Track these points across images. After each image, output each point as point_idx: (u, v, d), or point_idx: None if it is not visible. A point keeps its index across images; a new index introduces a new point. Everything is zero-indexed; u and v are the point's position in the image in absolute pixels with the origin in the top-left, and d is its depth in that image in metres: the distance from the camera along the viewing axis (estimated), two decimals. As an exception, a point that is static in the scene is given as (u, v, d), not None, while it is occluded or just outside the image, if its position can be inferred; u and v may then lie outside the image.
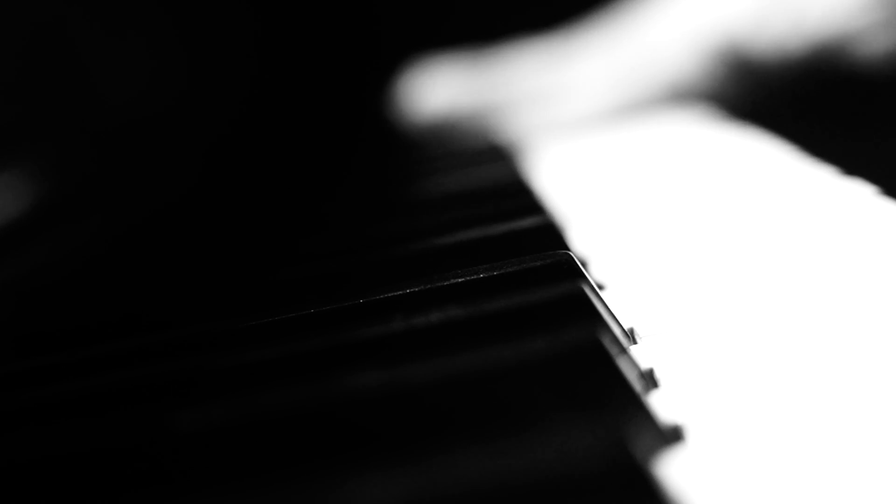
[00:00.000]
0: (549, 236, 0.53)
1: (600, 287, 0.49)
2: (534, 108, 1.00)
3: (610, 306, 0.43)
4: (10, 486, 0.36)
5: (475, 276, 0.45)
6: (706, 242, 0.53)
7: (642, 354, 0.39)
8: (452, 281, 0.46)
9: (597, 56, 0.99)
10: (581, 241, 0.56)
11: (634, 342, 0.42)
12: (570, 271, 0.45)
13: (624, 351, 0.39)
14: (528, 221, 0.55)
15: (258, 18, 1.24)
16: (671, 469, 0.30)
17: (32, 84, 0.68)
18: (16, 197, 0.63)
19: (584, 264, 0.49)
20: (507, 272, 0.45)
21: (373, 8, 1.29)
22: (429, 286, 0.46)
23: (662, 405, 0.35)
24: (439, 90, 1.05)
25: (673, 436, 0.33)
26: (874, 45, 0.78)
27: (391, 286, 0.46)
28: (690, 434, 0.33)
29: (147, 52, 0.91)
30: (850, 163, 0.62)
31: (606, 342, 0.36)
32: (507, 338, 0.38)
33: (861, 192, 0.56)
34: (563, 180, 0.74)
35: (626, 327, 0.43)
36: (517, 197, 0.66)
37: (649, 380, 0.38)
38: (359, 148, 1.15)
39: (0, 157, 0.62)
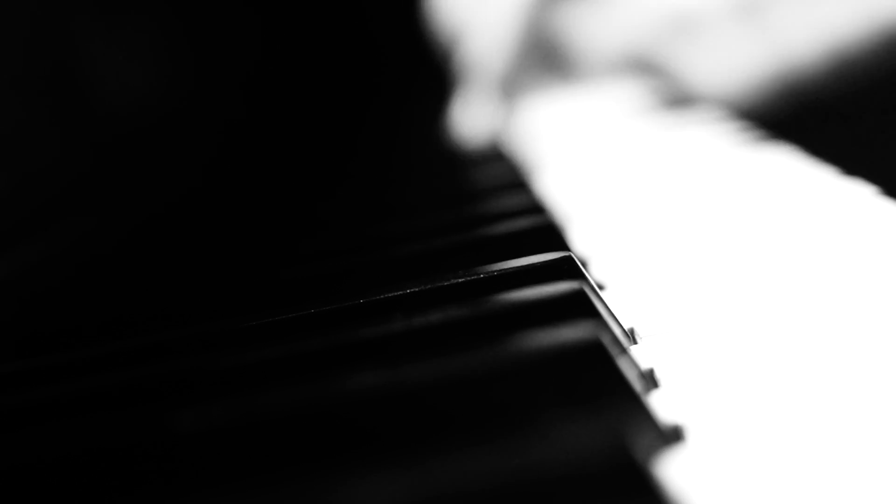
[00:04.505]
0: (550, 236, 0.53)
1: (600, 287, 0.49)
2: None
3: (610, 306, 0.43)
4: (10, 486, 0.36)
5: (475, 276, 0.45)
6: (705, 242, 0.53)
7: (642, 354, 0.39)
8: (452, 281, 0.46)
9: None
10: (581, 240, 0.56)
11: (635, 342, 0.42)
12: (571, 271, 0.45)
13: (624, 351, 0.39)
14: (528, 221, 0.55)
15: (258, 18, 1.24)
16: (671, 469, 0.30)
17: (35, 82, 0.68)
18: (16, 195, 0.64)
19: (584, 264, 0.49)
20: (507, 272, 0.45)
21: (374, 9, 1.29)
22: (429, 286, 0.46)
23: (663, 405, 0.35)
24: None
25: (673, 436, 0.33)
26: None
27: (391, 286, 0.46)
28: (690, 434, 0.33)
29: (149, 54, 0.91)
30: (851, 163, 0.62)
31: (606, 342, 0.36)
32: (507, 338, 0.38)
33: (861, 192, 0.56)
34: (566, 178, 0.74)
35: (626, 327, 0.43)
36: (517, 196, 0.66)
37: (649, 380, 0.38)
38: (359, 148, 1.15)
39: (2, 155, 0.62)
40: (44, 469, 0.36)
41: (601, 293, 0.44)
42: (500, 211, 0.60)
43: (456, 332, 0.41)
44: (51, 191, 0.69)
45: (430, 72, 1.24)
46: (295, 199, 0.88)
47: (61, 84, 0.72)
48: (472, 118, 1.07)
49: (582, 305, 0.41)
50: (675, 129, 0.89)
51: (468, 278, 0.45)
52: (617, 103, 1.07)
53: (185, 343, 0.46)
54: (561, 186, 0.72)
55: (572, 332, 0.37)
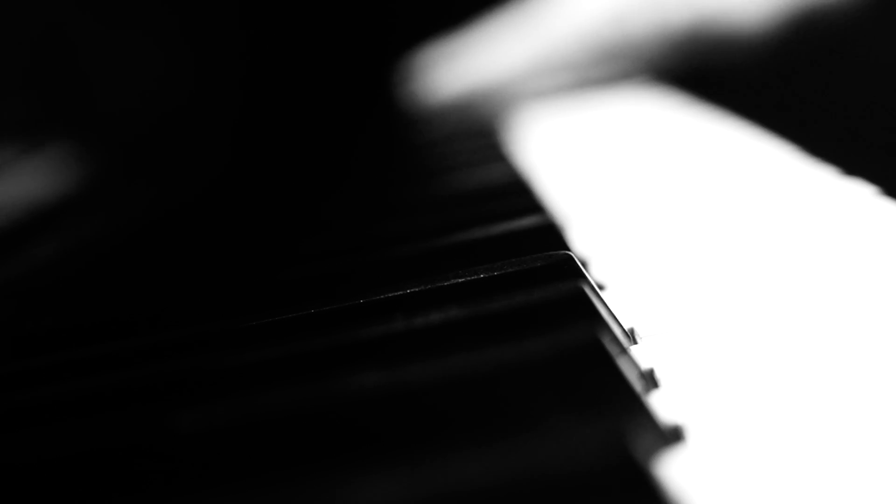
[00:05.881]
0: (550, 236, 0.53)
1: (600, 287, 0.49)
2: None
3: (610, 306, 0.43)
4: (10, 486, 0.36)
5: (475, 277, 0.45)
6: (706, 242, 0.53)
7: (643, 354, 0.39)
8: (453, 281, 0.46)
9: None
10: (581, 240, 0.56)
11: (635, 342, 0.42)
12: (571, 271, 0.45)
13: (624, 351, 0.39)
14: (527, 221, 0.55)
15: (260, 16, 1.24)
16: (671, 469, 0.30)
17: (37, 87, 0.68)
18: (17, 197, 0.64)
19: (584, 264, 0.49)
20: (507, 272, 0.45)
21: (368, 11, 1.29)
22: (429, 286, 0.46)
23: (663, 405, 0.35)
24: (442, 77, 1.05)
25: (673, 436, 0.33)
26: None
27: (391, 286, 0.46)
28: (691, 434, 0.33)
29: (151, 56, 0.91)
30: (851, 163, 0.62)
31: (607, 342, 0.36)
32: (507, 338, 0.38)
33: (861, 192, 0.56)
34: (556, 175, 0.74)
35: (626, 327, 0.43)
36: (516, 196, 0.66)
37: (650, 380, 0.38)
38: (359, 148, 1.15)
39: (4, 158, 0.62)
40: (44, 469, 0.36)
41: (601, 293, 0.44)
42: (499, 210, 0.60)
43: (456, 332, 0.41)
44: (51, 192, 0.69)
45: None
46: (297, 198, 0.88)
47: (63, 85, 0.72)
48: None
49: (582, 305, 0.41)
50: (646, 107, 0.89)
51: (468, 278, 0.45)
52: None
53: (185, 343, 0.46)
54: (554, 179, 0.72)
55: (572, 332, 0.37)
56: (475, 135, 1.04)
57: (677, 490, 0.29)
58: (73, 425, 0.41)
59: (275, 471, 0.35)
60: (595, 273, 0.51)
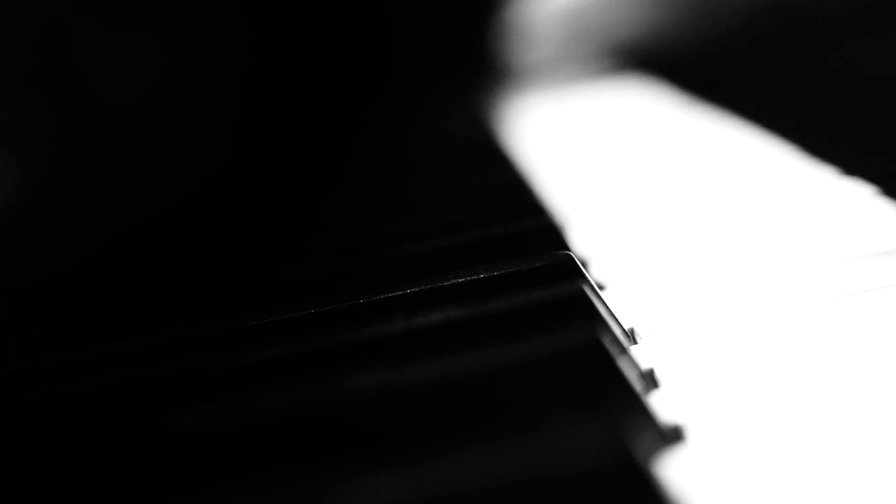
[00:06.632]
0: (550, 236, 0.53)
1: (601, 287, 0.49)
2: None
3: (610, 306, 0.43)
4: (10, 486, 0.36)
5: (475, 277, 0.45)
6: (706, 242, 0.53)
7: (643, 354, 0.39)
8: (453, 281, 0.46)
9: None
10: (581, 240, 0.56)
11: (635, 342, 0.42)
12: (571, 271, 0.45)
13: (624, 351, 0.39)
14: (527, 221, 0.55)
15: (259, 13, 1.24)
16: (671, 469, 0.30)
17: (35, 84, 0.68)
18: (17, 195, 0.64)
19: (584, 264, 0.49)
20: (507, 272, 0.45)
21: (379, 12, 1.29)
22: (429, 286, 0.46)
23: (663, 405, 0.35)
24: None
25: (673, 436, 0.33)
26: None
27: (391, 286, 0.46)
28: (691, 434, 0.33)
29: (150, 55, 0.91)
30: (851, 162, 0.62)
31: (607, 342, 0.36)
32: (507, 338, 0.38)
33: (861, 192, 0.56)
34: (556, 174, 0.74)
35: (626, 327, 0.43)
36: (517, 196, 0.66)
37: (650, 380, 0.38)
38: (359, 148, 1.15)
39: (4, 154, 0.62)
40: (44, 469, 0.36)
41: (601, 293, 0.44)
42: (500, 210, 0.60)
43: (456, 332, 0.41)
44: (51, 191, 0.69)
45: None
46: (296, 197, 0.88)
47: (63, 84, 0.72)
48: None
49: (582, 305, 0.41)
50: (645, 101, 0.89)
51: (468, 278, 0.45)
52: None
53: (185, 343, 0.46)
54: (551, 174, 0.72)
55: (573, 332, 0.37)
56: (475, 132, 1.04)
57: (677, 490, 0.29)
58: (73, 425, 0.41)
59: (275, 471, 0.35)
60: (595, 273, 0.51)
